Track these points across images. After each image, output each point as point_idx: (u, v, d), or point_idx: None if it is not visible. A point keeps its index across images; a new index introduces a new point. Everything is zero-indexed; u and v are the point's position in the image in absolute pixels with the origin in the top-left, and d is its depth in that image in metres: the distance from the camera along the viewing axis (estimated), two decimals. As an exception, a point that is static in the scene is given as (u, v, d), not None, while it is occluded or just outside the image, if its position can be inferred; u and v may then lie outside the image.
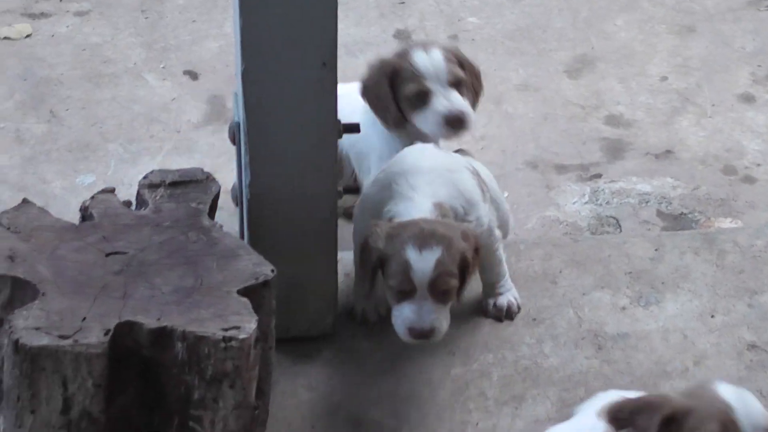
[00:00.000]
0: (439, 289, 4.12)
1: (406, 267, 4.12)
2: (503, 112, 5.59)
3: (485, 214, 4.37)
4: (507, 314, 4.51)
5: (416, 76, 4.45)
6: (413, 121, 4.53)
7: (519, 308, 4.52)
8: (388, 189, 4.33)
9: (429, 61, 4.46)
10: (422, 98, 4.47)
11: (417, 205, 4.25)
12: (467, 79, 4.61)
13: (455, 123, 4.43)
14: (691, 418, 3.37)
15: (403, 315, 4.13)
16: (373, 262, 4.17)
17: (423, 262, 4.11)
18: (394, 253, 4.13)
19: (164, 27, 6.01)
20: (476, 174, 4.44)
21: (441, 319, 4.14)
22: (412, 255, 4.13)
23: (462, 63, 4.56)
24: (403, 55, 4.55)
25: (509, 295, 4.52)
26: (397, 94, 4.54)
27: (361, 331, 4.43)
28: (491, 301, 4.53)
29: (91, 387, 3.55)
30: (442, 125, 4.43)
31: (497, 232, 4.48)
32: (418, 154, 4.41)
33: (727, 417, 3.39)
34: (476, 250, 4.19)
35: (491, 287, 4.55)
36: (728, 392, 3.42)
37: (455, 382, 4.30)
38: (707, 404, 3.40)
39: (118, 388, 3.63)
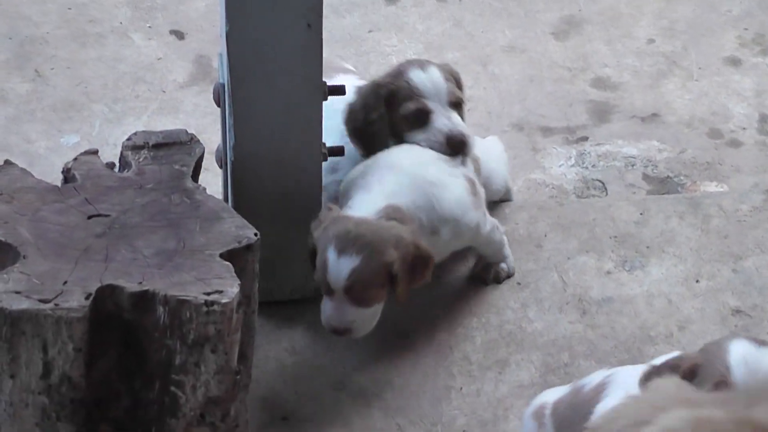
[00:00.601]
0: (355, 296, 4.09)
1: (325, 267, 4.10)
2: (489, 74, 5.57)
3: (475, 220, 4.32)
4: (495, 278, 4.49)
5: (415, 95, 4.29)
6: (414, 140, 4.35)
7: (509, 275, 4.46)
8: (360, 178, 4.30)
9: (428, 79, 4.31)
10: (422, 118, 4.30)
11: (368, 202, 4.21)
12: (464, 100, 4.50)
13: (457, 144, 4.28)
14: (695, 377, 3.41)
15: (324, 309, 4.13)
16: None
17: (338, 267, 4.08)
18: (320, 249, 4.12)
19: (150, -14, 5.99)
20: (472, 183, 4.37)
21: (359, 320, 4.12)
22: (331, 257, 4.11)
23: (458, 82, 4.43)
24: (398, 75, 4.36)
25: (504, 264, 4.50)
26: (392, 116, 4.37)
27: (344, 292, 4.40)
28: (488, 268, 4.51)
29: (71, 351, 3.54)
30: (444, 145, 4.29)
31: (498, 230, 4.46)
32: (405, 153, 4.37)
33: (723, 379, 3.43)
34: (415, 259, 4.10)
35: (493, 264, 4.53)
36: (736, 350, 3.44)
37: (439, 347, 4.29)
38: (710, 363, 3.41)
39: (98, 352, 3.62)
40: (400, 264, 4.04)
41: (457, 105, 4.40)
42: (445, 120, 4.29)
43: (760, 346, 3.49)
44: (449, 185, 4.27)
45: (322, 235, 4.08)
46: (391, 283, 4.07)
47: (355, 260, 4.04)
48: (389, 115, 4.32)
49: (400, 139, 4.35)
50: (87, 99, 5.44)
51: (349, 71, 4.79)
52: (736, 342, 3.45)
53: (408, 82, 4.28)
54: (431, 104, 4.27)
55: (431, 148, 4.29)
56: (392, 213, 4.14)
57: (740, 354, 3.40)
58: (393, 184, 4.21)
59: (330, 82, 4.15)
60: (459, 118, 4.38)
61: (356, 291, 4.05)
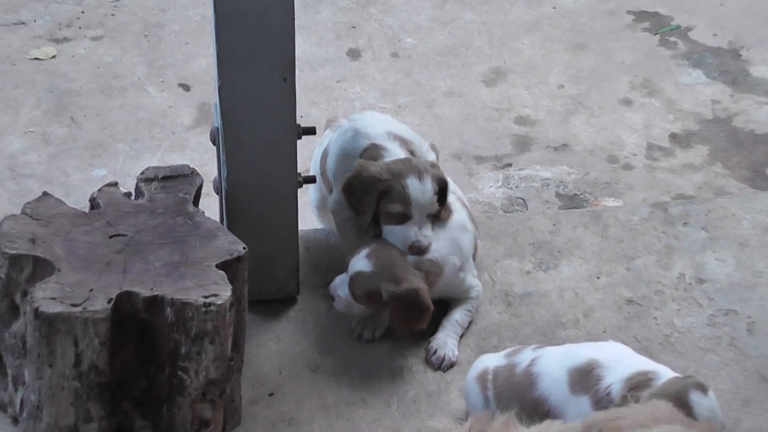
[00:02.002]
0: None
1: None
2: (433, 114, 5.57)
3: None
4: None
5: (405, 200, 4.13)
6: (383, 229, 4.20)
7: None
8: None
9: (420, 191, 4.12)
10: (401, 219, 4.16)
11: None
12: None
13: (416, 251, 4.17)
14: None
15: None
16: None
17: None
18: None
19: (163, 48, 5.97)
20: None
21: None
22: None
23: (443, 188, 4.23)
24: (398, 176, 4.13)
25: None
26: (379, 202, 4.17)
27: (319, 293, 4.38)
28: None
29: (97, 345, 3.55)
30: (406, 247, 4.18)
31: None
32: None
33: None
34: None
35: None
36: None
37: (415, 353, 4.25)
38: None
39: (119, 345, 3.62)
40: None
41: (432, 216, 4.22)
42: (417, 229, 4.13)
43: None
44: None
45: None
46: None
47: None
48: (377, 200, 4.15)
49: (375, 221, 4.23)
50: (112, 140, 5.42)
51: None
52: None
53: (403, 187, 4.12)
54: (413, 211, 4.12)
55: (396, 242, 4.14)
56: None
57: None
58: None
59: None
60: (429, 230, 4.18)
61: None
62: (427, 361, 4.19)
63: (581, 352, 3.66)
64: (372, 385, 4.07)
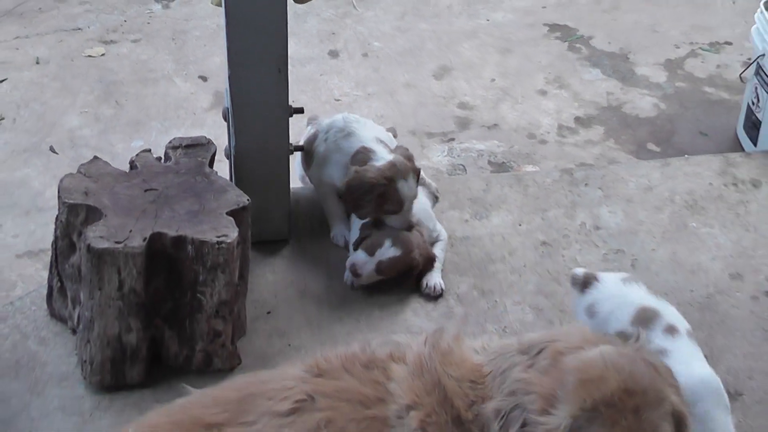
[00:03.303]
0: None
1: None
2: (395, 100, 5.57)
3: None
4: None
5: (399, 200, 4.10)
6: (386, 219, 4.16)
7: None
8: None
9: (408, 189, 4.12)
10: (396, 211, 4.15)
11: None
12: None
13: (410, 228, 4.15)
14: None
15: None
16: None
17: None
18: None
19: (186, 49, 5.94)
20: None
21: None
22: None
23: (418, 175, 4.25)
24: (391, 180, 4.08)
25: None
26: (378, 203, 4.13)
27: (306, 236, 4.38)
28: None
29: (135, 273, 3.54)
30: (404, 227, 4.13)
31: None
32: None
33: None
34: None
35: None
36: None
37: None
38: None
39: (152, 274, 3.62)
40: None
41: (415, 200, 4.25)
42: (408, 214, 4.17)
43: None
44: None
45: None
46: None
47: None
48: (375, 200, 4.12)
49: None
50: (147, 118, 5.40)
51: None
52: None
53: (396, 191, 4.09)
54: (405, 205, 4.13)
55: (398, 226, 4.15)
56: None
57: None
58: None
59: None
60: (412, 208, 4.23)
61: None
62: (423, 293, 4.15)
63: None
64: (346, 306, 4.07)
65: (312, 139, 4.41)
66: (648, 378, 2.86)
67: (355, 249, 4.15)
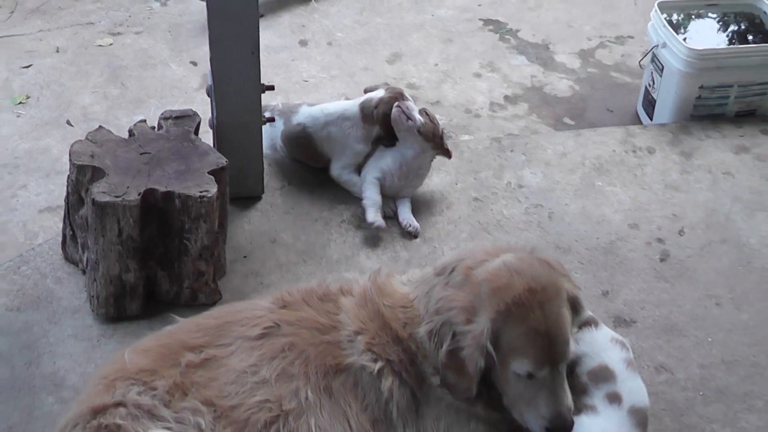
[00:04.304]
0: None
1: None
2: (354, 81, 5.49)
3: None
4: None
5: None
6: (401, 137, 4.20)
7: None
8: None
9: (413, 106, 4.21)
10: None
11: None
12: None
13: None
14: None
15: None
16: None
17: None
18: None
19: (181, 39, 5.84)
20: None
21: None
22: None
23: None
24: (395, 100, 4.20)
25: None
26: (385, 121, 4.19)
27: (276, 193, 4.34)
28: None
29: (132, 223, 3.53)
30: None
31: None
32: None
33: None
34: None
35: None
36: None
37: (326, 221, 4.22)
38: None
39: (146, 223, 3.61)
40: None
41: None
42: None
43: None
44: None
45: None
46: None
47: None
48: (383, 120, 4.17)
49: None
50: (147, 97, 5.32)
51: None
52: None
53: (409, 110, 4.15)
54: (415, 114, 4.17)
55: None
56: None
57: None
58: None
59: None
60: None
61: None
62: (405, 232, 4.13)
63: None
64: (310, 251, 4.06)
65: (301, 133, 4.34)
66: (545, 275, 2.94)
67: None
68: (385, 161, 4.22)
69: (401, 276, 3.23)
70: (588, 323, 3.14)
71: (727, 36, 5.01)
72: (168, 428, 2.78)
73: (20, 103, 5.23)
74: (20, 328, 3.64)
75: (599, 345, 3.08)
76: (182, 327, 3.11)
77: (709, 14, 5.13)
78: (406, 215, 4.19)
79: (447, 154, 4.26)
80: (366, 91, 4.38)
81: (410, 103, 4.20)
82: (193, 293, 3.69)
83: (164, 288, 3.70)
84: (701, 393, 3.50)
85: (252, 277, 3.90)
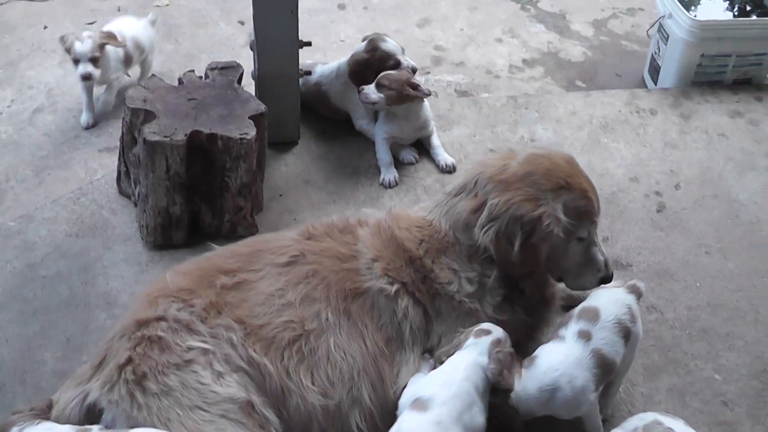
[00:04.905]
0: None
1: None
2: (387, 44, 5.44)
3: None
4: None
5: (390, 54, 4.14)
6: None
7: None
8: None
9: (393, 46, 4.17)
10: (396, 66, 4.11)
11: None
12: None
13: (413, 70, 4.16)
14: None
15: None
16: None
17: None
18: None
19: (230, 1, 5.80)
20: None
21: None
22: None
23: None
24: (375, 48, 4.15)
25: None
26: (379, 65, 4.12)
27: (312, 139, 4.33)
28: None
29: (179, 160, 3.54)
30: (411, 71, 4.13)
31: None
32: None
33: None
34: None
35: None
36: None
37: (355, 166, 4.21)
38: None
39: (191, 162, 3.62)
40: None
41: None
42: (406, 62, 4.15)
43: None
44: None
45: None
46: None
47: None
48: (376, 70, 4.09)
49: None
50: (198, 52, 5.30)
51: None
52: None
53: (384, 50, 4.12)
54: (399, 57, 4.12)
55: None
56: None
57: None
58: None
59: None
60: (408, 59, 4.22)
61: None
62: (442, 170, 4.11)
63: None
64: (339, 192, 4.04)
65: (318, 91, 4.32)
66: (563, 151, 3.10)
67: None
68: (385, 122, 4.14)
69: (414, 208, 3.24)
70: (633, 289, 3.05)
71: (733, 11, 4.90)
72: (203, 341, 2.80)
73: (86, 54, 5.24)
74: (78, 252, 3.67)
75: (611, 298, 2.98)
76: (219, 253, 3.13)
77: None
78: (438, 155, 4.15)
79: (424, 95, 4.05)
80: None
81: (367, 88, 4.01)
82: (233, 226, 3.69)
83: (207, 221, 3.71)
84: (687, 332, 3.47)
85: (286, 213, 3.90)
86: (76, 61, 4.40)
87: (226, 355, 2.80)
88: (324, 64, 4.42)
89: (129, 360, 2.74)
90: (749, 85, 4.84)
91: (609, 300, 2.96)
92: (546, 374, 2.75)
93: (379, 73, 4.04)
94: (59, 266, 3.60)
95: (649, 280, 3.67)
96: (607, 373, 2.86)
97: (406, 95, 4.00)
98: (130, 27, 4.72)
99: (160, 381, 2.71)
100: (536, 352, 2.84)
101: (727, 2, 4.95)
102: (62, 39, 4.44)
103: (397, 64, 4.10)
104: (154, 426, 2.66)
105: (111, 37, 4.47)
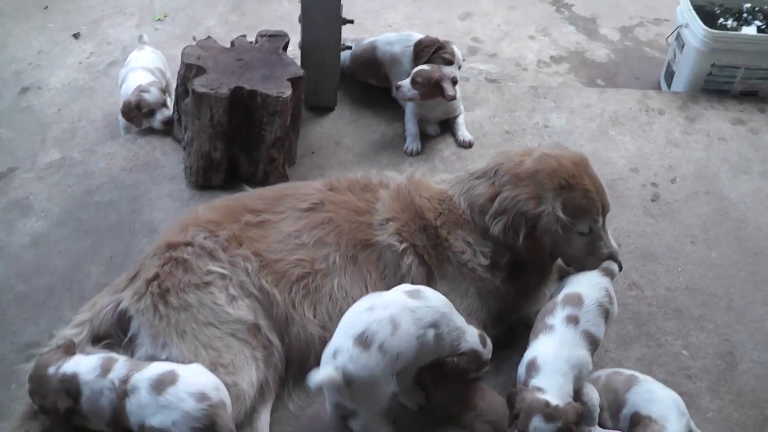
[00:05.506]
0: None
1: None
2: (429, 31, 5.26)
3: None
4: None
5: (452, 53, 4.08)
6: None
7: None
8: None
9: (457, 51, 4.12)
10: (447, 63, 4.05)
11: None
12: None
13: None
14: None
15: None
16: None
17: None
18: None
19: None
20: None
21: None
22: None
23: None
24: (446, 41, 4.11)
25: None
26: (434, 52, 4.08)
27: (347, 107, 4.35)
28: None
29: (221, 111, 3.59)
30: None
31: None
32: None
33: None
34: None
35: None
36: None
37: (383, 133, 4.23)
38: None
39: (233, 114, 3.66)
40: None
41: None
42: (454, 71, 4.07)
43: None
44: None
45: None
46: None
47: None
48: (434, 51, 4.06)
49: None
50: (260, 24, 5.32)
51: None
52: None
53: (451, 47, 4.07)
54: (455, 59, 4.08)
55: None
56: None
57: None
58: None
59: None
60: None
61: None
62: (459, 144, 4.11)
63: None
64: (365, 154, 4.08)
65: (369, 53, 4.29)
66: (574, 152, 3.03)
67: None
68: (417, 105, 4.12)
69: (434, 178, 3.23)
70: (606, 272, 3.02)
71: (754, 27, 4.82)
72: (222, 267, 2.88)
73: (159, 20, 5.34)
74: (130, 185, 3.77)
75: (589, 282, 2.95)
76: (248, 195, 3.19)
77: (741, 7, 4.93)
78: (459, 131, 4.13)
79: (447, 98, 3.97)
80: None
81: (404, 85, 3.93)
82: (266, 174, 3.75)
83: (243, 168, 3.77)
84: (663, 310, 3.45)
85: (316, 169, 3.95)
86: (152, 112, 4.02)
87: (241, 281, 2.87)
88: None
89: (156, 276, 2.83)
90: (755, 97, 4.76)
91: (589, 285, 2.94)
92: (555, 363, 2.69)
93: (432, 54, 4.03)
94: (112, 195, 3.71)
95: (634, 260, 3.66)
96: (594, 350, 2.86)
97: (439, 88, 4.00)
98: (150, 60, 4.45)
99: (181, 297, 2.79)
100: (532, 354, 2.73)
101: (749, 19, 4.88)
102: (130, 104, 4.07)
103: (449, 62, 4.05)
104: (170, 336, 2.74)
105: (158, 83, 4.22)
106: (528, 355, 2.74)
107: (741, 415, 3.10)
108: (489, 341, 2.85)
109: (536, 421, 2.52)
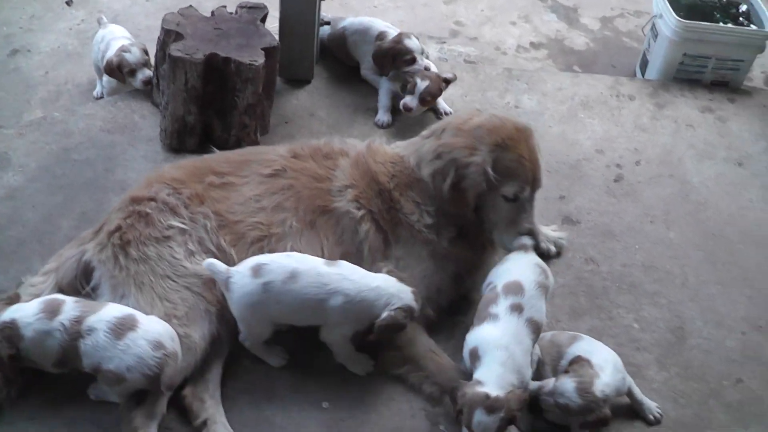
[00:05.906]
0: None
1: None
2: (413, 13, 5.42)
3: None
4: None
5: (409, 51, 4.02)
6: (408, 73, 4.02)
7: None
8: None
9: (414, 44, 4.04)
10: (411, 62, 4.03)
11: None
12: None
13: (426, 71, 4.05)
14: None
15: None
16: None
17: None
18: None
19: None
20: None
21: None
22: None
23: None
24: (399, 41, 4.03)
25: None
26: (395, 59, 4.03)
27: (325, 81, 4.33)
28: None
29: (196, 76, 3.60)
30: (422, 71, 4.00)
31: None
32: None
33: None
34: None
35: None
36: None
37: (356, 107, 4.21)
38: None
39: (207, 80, 3.66)
40: None
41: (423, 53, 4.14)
42: (421, 61, 4.05)
43: None
44: None
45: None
46: None
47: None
48: (393, 58, 4.03)
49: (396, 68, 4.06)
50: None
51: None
52: None
53: (406, 46, 4.02)
54: (416, 55, 4.04)
55: (415, 73, 3.97)
56: None
57: None
58: None
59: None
60: (427, 59, 4.16)
61: None
62: (440, 115, 4.06)
63: None
64: (337, 126, 4.05)
65: (341, 37, 4.27)
66: (523, 121, 3.08)
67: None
68: (393, 84, 4.11)
69: (392, 144, 3.24)
70: (522, 248, 2.98)
71: (722, 18, 4.79)
72: (183, 223, 2.88)
73: (151, -11, 5.30)
74: (107, 144, 3.77)
75: (523, 266, 2.91)
76: (214, 157, 3.20)
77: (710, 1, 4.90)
78: (440, 103, 4.11)
79: (438, 111, 4.07)
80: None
81: (410, 101, 3.93)
82: (238, 141, 3.74)
83: (217, 133, 3.76)
84: (617, 285, 3.46)
85: (288, 138, 3.92)
86: (132, 72, 3.91)
87: (200, 238, 2.87)
88: (353, 18, 4.41)
89: (118, 228, 2.84)
90: (725, 88, 4.74)
91: (522, 268, 2.90)
92: (495, 353, 2.66)
93: (395, 61, 4.01)
94: (89, 153, 3.70)
95: (592, 237, 3.66)
96: (538, 336, 2.84)
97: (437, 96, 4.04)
98: (123, 31, 4.29)
99: (141, 250, 2.80)
100: (472, 343, 2.72)
101: (719, 11, 4.85)
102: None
103: (413, 60, 4.03)
104: (129, 287, 2.75)
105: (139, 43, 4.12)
106: (471, 342, 2.73)
107: (686, 388, 3.11)
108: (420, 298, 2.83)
109: (478, 415, 2.52)
